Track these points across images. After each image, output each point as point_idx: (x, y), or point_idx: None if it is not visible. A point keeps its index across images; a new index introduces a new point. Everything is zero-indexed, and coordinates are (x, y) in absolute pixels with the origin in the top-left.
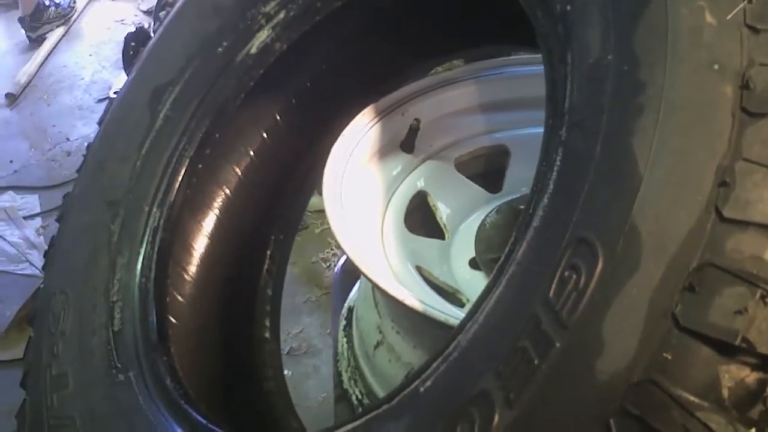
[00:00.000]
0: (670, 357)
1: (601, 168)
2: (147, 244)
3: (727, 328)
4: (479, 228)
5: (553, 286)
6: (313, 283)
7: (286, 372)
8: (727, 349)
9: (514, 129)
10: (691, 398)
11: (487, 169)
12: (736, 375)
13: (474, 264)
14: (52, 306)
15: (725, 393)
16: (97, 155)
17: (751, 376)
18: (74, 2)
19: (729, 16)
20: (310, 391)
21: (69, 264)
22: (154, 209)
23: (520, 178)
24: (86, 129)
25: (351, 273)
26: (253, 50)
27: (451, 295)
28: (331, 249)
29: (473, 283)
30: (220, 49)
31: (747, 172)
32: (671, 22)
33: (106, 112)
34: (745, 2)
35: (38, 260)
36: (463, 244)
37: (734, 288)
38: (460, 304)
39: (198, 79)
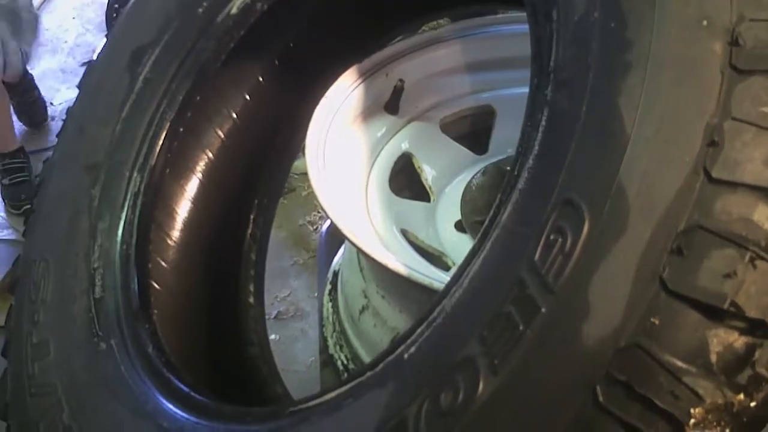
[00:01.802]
0: (657, 321)
1: (587, 128)
2: (128, 209)
3: (716, 292)
4: (465, 190)
5: (539, 249)
6: (300, 246)
7: (273, 336)
8: (716, 314)
9: (500, 89)
10: (679, 363)
11: (472, 130)
12: (724, 339)
13: (460, 226)
14: (32, 273)
15: (713, 358)
16: (77, 119)
17: (739, 341)
18: None
19: None
20: (298, 354)
21: (49, 230)
22: (135, 173)
23: (506, 139)
24: (70, 93)
25: (336, 236)
26: (234, 10)
27: (436, 258)
28: (318, 212)
29: (459, 246)
30: (200, 10)
31: (736, 131)
32: None
33: (85, 74)
34: None
35: (23, 226)
36: (448, 206)
37: (723, 251)
38: (446, 268)
39: (178, 41)
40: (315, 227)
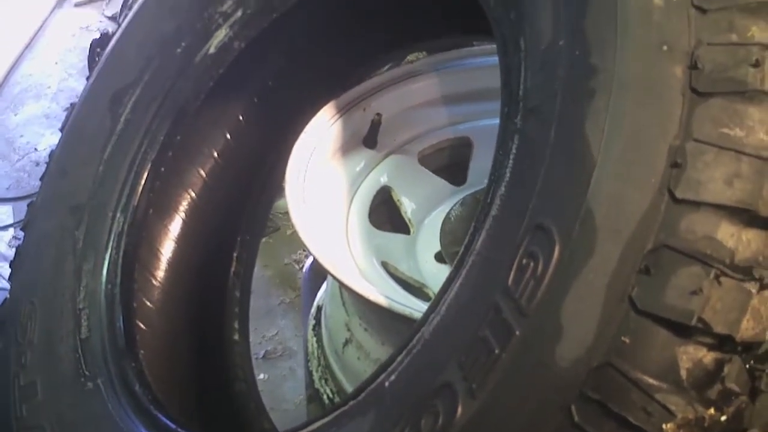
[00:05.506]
0: (628, 340)
1: (555, 153)
2: (112, 250)
3: (683, 309)
4: (444, 221)
5: (512, 274)
6: (286, 284)
7: (262, 375)
8: (684, 330)
9: (477, 120)
10: (650, 380)
11: (450, 162)
12: (693, 356)
13: (440, 257)
14: (19, 316)
15: (683, 374)
16: (60, 161)
17: (708, 356)
18: None
19: None
20: (287, 393)
21: (35, 272)
22: (118, 214)
23: (484, 170)
24: (54, 138)
25: (319, 272)
26: (212, 50)
27: (417, 290)
28: (303, 250)
29: (439, 277)
30: (178, 50)
31: (698, 152)
32: (620, 5)
33: (67, 117)
34: None
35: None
36: (428, 238)
37: (689, 268)
38: (427, 299)
39: (157, 81)
40: (300, 266)
